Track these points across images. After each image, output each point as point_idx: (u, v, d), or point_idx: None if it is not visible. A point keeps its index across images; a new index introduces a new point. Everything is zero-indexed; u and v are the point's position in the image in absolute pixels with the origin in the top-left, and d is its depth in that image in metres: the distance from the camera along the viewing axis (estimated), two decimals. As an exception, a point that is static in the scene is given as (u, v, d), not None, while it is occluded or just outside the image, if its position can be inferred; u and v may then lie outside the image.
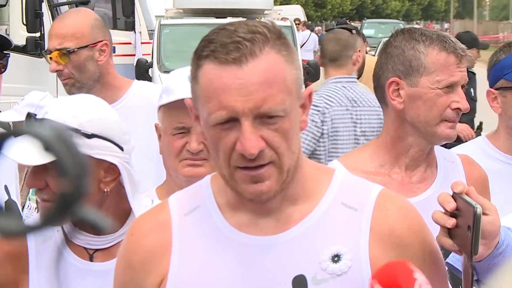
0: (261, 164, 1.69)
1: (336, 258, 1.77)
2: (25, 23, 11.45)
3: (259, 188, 1.70)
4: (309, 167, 1.84)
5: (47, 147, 0.89)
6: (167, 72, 12.27)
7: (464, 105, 2.44)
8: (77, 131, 2.18)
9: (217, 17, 13.37)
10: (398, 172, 2.51)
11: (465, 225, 1.80)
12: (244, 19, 11.71)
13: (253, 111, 1.66)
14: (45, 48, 3.44)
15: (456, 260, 2.02)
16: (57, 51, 3.39)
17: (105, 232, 2.24)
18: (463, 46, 2.48)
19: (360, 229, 1.79)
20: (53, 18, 11.83)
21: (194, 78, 1.72)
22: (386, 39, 2.59)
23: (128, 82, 3.57)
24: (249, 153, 1.66)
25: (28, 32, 11.45)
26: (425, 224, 1.88)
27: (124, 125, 2.30)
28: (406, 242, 1.81)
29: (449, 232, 1.86)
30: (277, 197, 1.76)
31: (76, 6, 12.68)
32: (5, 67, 3.01)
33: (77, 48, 3.39)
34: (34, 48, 11.44)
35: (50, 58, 3.41)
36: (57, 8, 12.14)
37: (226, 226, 1.79)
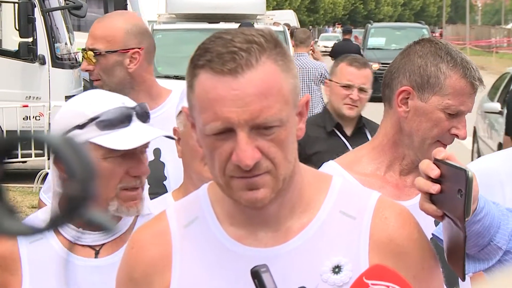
0: (257, 174, 1.68)
1: (337, 269, 1.76)
2: (17, 28, 11.44)
3: (254, 196, 1.69)
4: (306, 174, 1.83)
5: (55, 151, 0.90)
6: (160, 77, 12.29)
7: (463, 134, 2.47)
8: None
9: (209, 23, 13.37)
10: (392, 175, 2.54)
11: (451, 189, 1.80)
12: (237, 24, 11.71)
13: (249, 122, 1.65)
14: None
15: (441, 231, 2.01)
16: (90, 51, 3.34)
17: (111, 233, 2.24)
18: (481, 76, 2.48)
19: (360, 238, 1.78)
20: (45, 23, 11.84)
21: (190, 86, 1.71)
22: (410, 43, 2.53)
23: (167, 92, 3.48)
24: (244, 164, 1.65)
25: (20, 37, 11.44)
26: (422, 231, 1.88)
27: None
28: (405, 250, 1.80)
29: (431, 198, 1.86)
30: (274, 204, 1.75)
31: (69, 12, 12.71)
32: None
33: (106, 52, 3.32)
34: (27, 53, 11.43)
35: (84, 56, 3.39)
36: (50, 13, 12.14)
37: (226, 238, 1.78)
